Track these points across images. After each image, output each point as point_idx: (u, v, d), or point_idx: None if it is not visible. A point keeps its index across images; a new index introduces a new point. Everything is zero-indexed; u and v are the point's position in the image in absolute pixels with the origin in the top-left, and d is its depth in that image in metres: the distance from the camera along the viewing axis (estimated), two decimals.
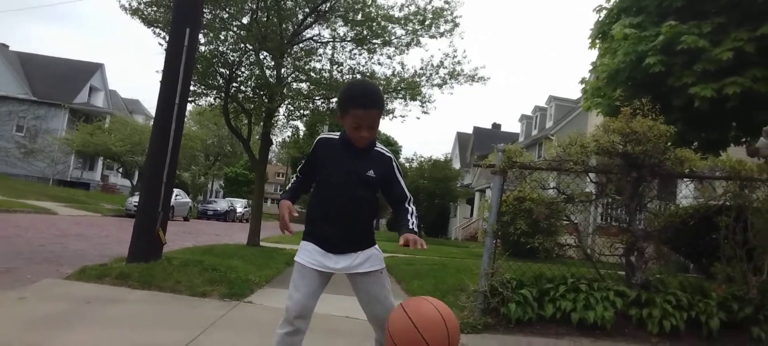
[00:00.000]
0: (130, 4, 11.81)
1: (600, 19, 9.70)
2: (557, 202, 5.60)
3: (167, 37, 8.44)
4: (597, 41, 9.77)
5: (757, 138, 6.61)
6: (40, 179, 37.72)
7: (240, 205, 39.78)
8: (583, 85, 10.48)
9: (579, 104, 22.24)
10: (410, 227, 2.46)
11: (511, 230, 6.12)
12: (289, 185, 2.71)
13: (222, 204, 38.22)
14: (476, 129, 47.38)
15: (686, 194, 6.56)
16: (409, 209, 2.54)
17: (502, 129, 49.07)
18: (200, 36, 10.95)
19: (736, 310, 5.04)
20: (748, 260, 5.08)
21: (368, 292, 2.59)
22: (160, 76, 7.22)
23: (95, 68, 44.87)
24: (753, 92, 7.02)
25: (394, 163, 2.59)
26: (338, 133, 2.58)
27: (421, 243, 2.36)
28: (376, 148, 2.56)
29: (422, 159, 34.25)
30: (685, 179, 5.86)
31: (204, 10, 10.69)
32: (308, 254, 2.55)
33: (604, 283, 5.28)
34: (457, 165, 43.82)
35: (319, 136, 2.64)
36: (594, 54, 10.28)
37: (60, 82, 41.00)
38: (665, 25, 7.49)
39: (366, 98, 2.43)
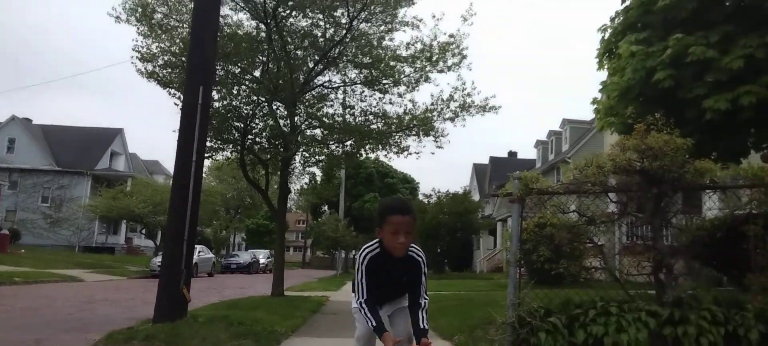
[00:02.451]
0: (145, 69, 12.18)
1: (605, 37, 9.70)
2: (579, 225, 5.53)
3: (182, 97, 8.65)
4: (604, 61, 9.74)
5: None
6: (66, 247, 38.27)
7: (263, 256, 39.90)
8: (595, 106, 10.44)
9: (593, 125, 22.06)
10: (422, 327, 2.84)
11: (534, 258, 6.03)
12: (372, 315, 2.85)
13: (245, 256, 38.38)
14: (492, 159, 47.18)
15: (711, 206, 6.42)
16: (423, 314, 2.88)
17: (519, 156, 48.80)
18: (214, 93, 11.21)
19: None
20: None
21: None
22: (176, 136, 7.36)
23: (115, 133, 45.94)
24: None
25: (423, 267, 2.96)
26: (377, 244, 2.92)
27: None
28: (409, 253, 2.91)
29: (441, 194, 34.13)
30: (708, 191, 5.74)
31: (216, 67, 10.98)
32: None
33: (634, 304, 5.14)
34: (476, 197, 43.52)
35: (363, 251, 2.97)
36: (603, 74, 10.26)
37: (82, 150, 42.02)
38: (672, 39, 7.47)
39: (402, 205, 2.88)
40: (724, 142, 8.51)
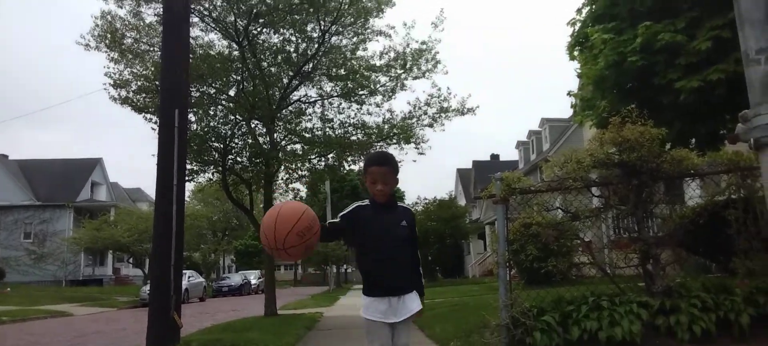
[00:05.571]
0: (120, 95, 12.03)
1: (575, 31, 9.79)
2: (563, 221, 5.54)
3: (158, 121, 8.56)
4: (575, 52, 9.81)
5: None
6: (53, 282, 37.56)
7: (254, 276, 39.49)
8: (572, 98, 10.51)
9: (572, 122, 22.22)
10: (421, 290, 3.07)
11: (523, 258, 6.04)
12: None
13: (236, 278, 37.94)
14: (476, 163, 47.21)
15: (692, 194, 6.48)
16: (419, 277, 3.08)
17: (501, 158, 48.94)
18: (190, 115, 11.11)
19: (762, 303, 4.91)
20: (766, 249, 4.98)
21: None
22: (156, 161, 7.27)
23: (94, 163, 45.28)
24: (738, 76, 7.02)
25: (414, 217, 3.15)
26: (367, 199, 3.07)
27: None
28: (400, 204, 3.15)
29: (427, 201, 34.11)
30: (687, 179, 5.80)
31: (191, 89, 10.88)
32: (372, 310, 2.91)
33: (625, 296, 5.16)
34: (462, 202, 43.58)
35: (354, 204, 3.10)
36: (575, 65, 10.31)
37: (61, 182, 41.34)
38: (641, 26, 7.57)
39: (378, 158, 3.17)
40: (705, 127, 8.62)
